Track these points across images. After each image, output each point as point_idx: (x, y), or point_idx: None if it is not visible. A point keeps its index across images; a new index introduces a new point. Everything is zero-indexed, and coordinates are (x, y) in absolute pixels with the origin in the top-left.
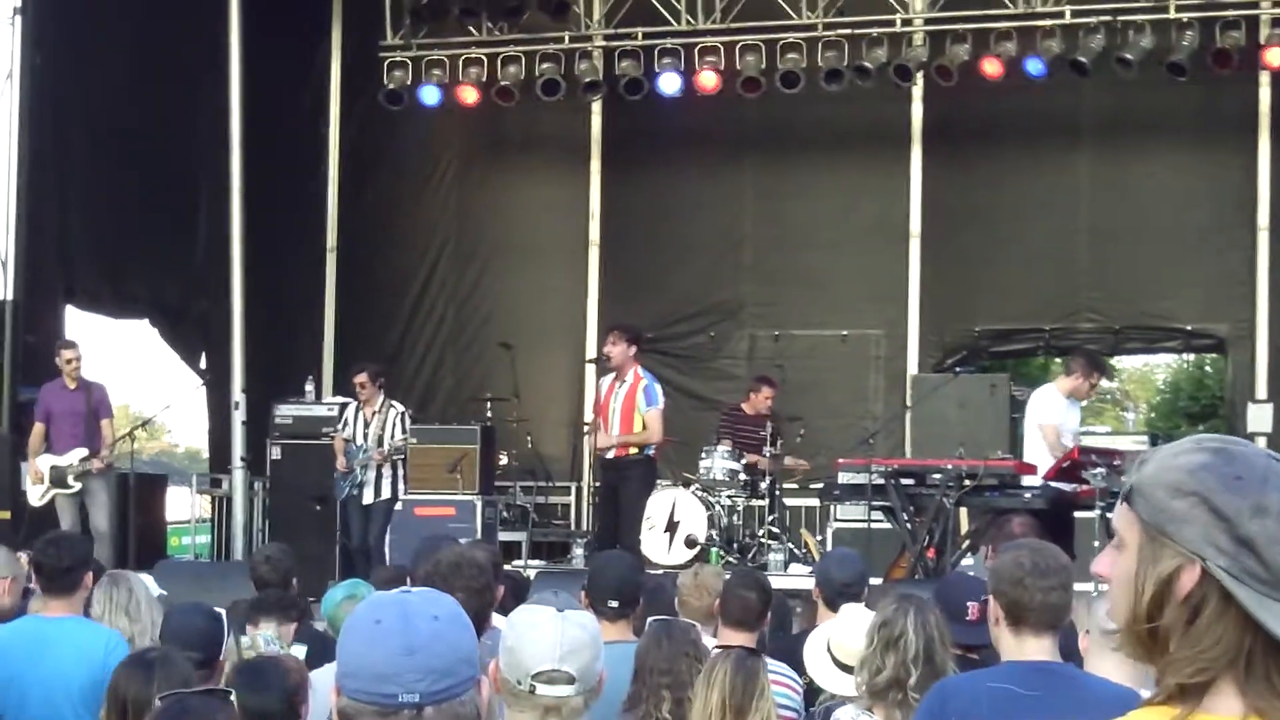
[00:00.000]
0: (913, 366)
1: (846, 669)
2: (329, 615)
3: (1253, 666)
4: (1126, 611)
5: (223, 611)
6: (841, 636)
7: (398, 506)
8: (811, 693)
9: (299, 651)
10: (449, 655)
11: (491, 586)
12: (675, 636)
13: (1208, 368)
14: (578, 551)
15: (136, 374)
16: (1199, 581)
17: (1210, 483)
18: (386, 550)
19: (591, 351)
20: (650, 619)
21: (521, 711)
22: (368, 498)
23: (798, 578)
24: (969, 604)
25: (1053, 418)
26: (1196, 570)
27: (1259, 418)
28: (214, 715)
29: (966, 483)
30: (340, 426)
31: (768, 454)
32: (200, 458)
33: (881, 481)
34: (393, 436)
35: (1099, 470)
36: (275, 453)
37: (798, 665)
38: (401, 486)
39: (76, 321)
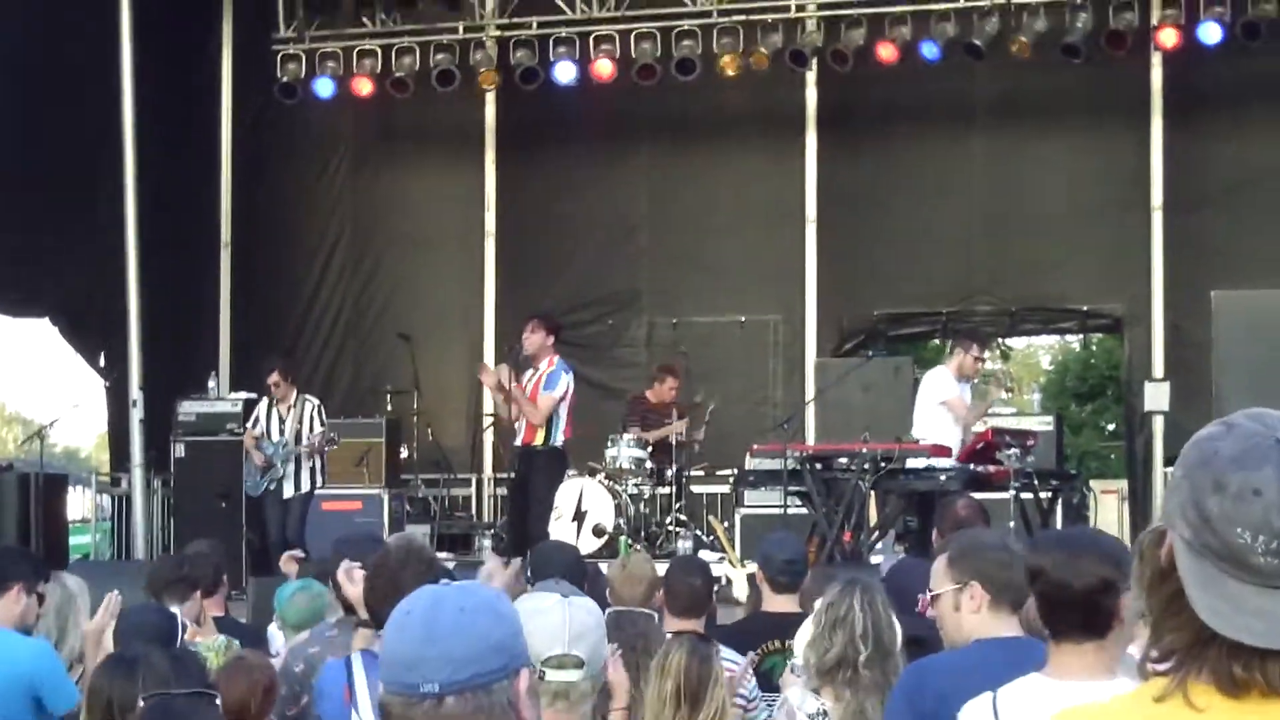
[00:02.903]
0: (811, 351)
1: None
2: (280, 609)
3: (1213, 652)
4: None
5: (177, 610)
6: None
7: None
8: (769, 673)
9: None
10: (473, 645)
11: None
12: (624, 629)
13: (1094, 347)
14: (484, 544)
15: (22, 375)
16: (1170, 552)
17: (1195, 455)
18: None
19: (490, 340)
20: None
21: None
22: (287, 491)
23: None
24: (920, 596)
25: (953, 391)
26: (1169, 540)
27: (1156, 396)
28: (199, 715)
29: (882, 466)
30: (251, 424)
31: (676, 439)
32: (79, 456)
33: (796, 467)
34: (311, 430)
35: (1013, 451)
36: (179, 450)
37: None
38: (320, 479)
39: None
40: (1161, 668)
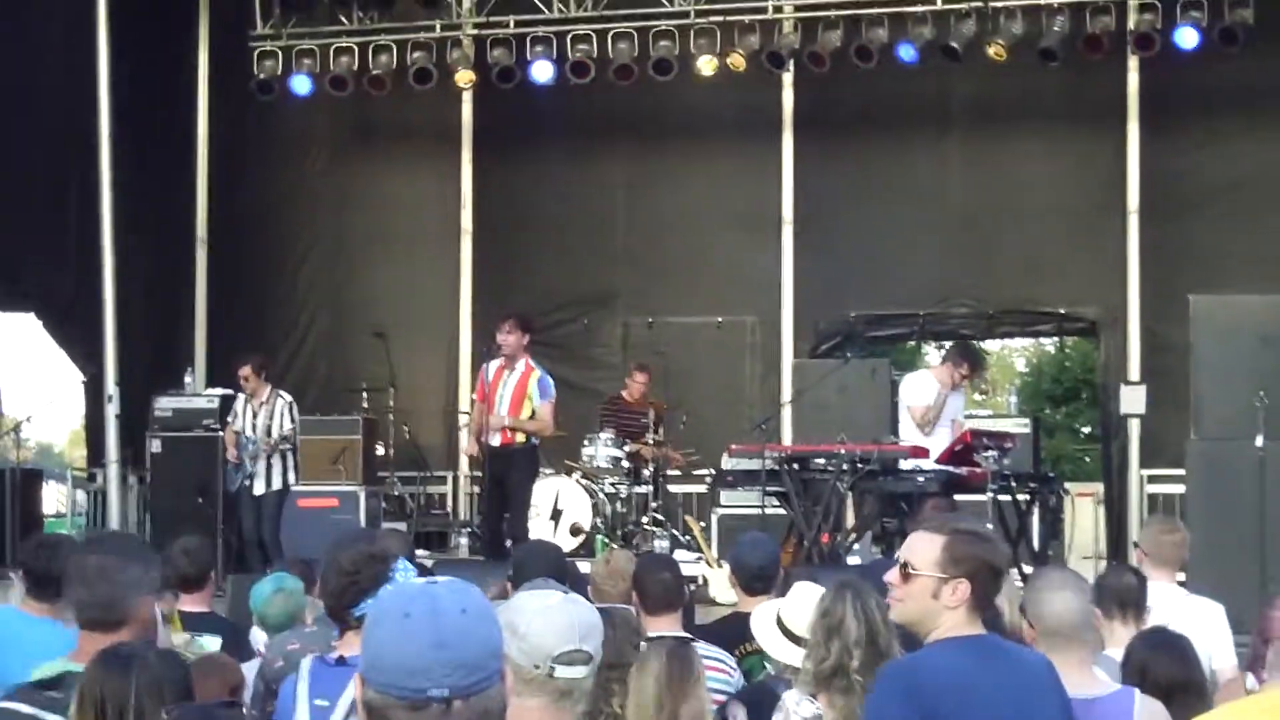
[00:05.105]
0: (788, 353)
1: (795, 640)
2: (258, 610)
3: None
4: None
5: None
6: (791, 609)
7: None
8: (748, 674)
9: (213, 643)
10: (478, 649)
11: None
12: (618, 625)
13: (1068, 350)
14: (461, 541)
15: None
16: None
17: None
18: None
19: (466, 339)
20: None
21: (532, 698)
22: (258, 489)
23: (684, 564)
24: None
25: (921, 399)
26: None
27: (1132, 399)
28: None
29: (860, 467)
30: (231, 418)
31: (650, 441)
32: (52, 452)
33: (775, 467)
34: (280, 427)
35: (990, 453)
36: (155, 446)
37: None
38: (293, 477)
39: None
40: None
